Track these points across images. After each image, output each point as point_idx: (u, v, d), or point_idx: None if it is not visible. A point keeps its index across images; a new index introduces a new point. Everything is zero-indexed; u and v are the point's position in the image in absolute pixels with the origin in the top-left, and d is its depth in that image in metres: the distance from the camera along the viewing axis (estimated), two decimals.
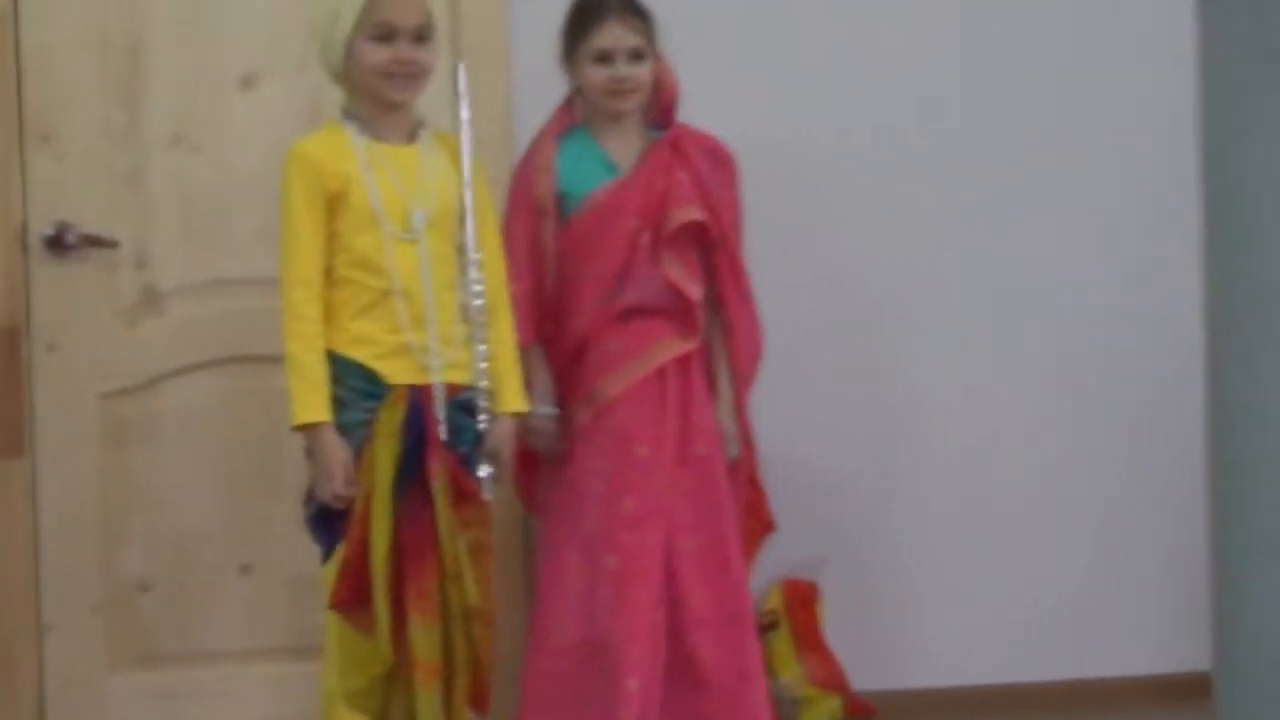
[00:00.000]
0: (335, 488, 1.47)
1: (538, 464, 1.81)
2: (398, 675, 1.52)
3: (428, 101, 1.63)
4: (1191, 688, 1.88)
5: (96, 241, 1.93)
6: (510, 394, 1.60)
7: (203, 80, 1.97)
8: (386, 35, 1.51)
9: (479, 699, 1.55)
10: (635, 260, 1.74)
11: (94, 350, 1.95)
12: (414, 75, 1.55)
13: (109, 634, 1.94)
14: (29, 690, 1.91)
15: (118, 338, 1.96)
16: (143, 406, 1.97)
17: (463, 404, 1.54)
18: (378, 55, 1.51)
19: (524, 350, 1.68)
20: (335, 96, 1.63)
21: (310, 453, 1.50)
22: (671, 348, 1.75)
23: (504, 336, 1.61)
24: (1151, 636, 2.21)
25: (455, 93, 1.62)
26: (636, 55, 1.72)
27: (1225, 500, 1.02)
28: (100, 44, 1.93)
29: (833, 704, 2.08)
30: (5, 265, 1.91)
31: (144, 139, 1.95)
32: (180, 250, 1.97)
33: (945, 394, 2.19)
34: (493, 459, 1.57)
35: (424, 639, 1.47)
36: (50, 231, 1.91)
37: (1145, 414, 2.18)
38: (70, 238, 1.92)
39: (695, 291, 1.75)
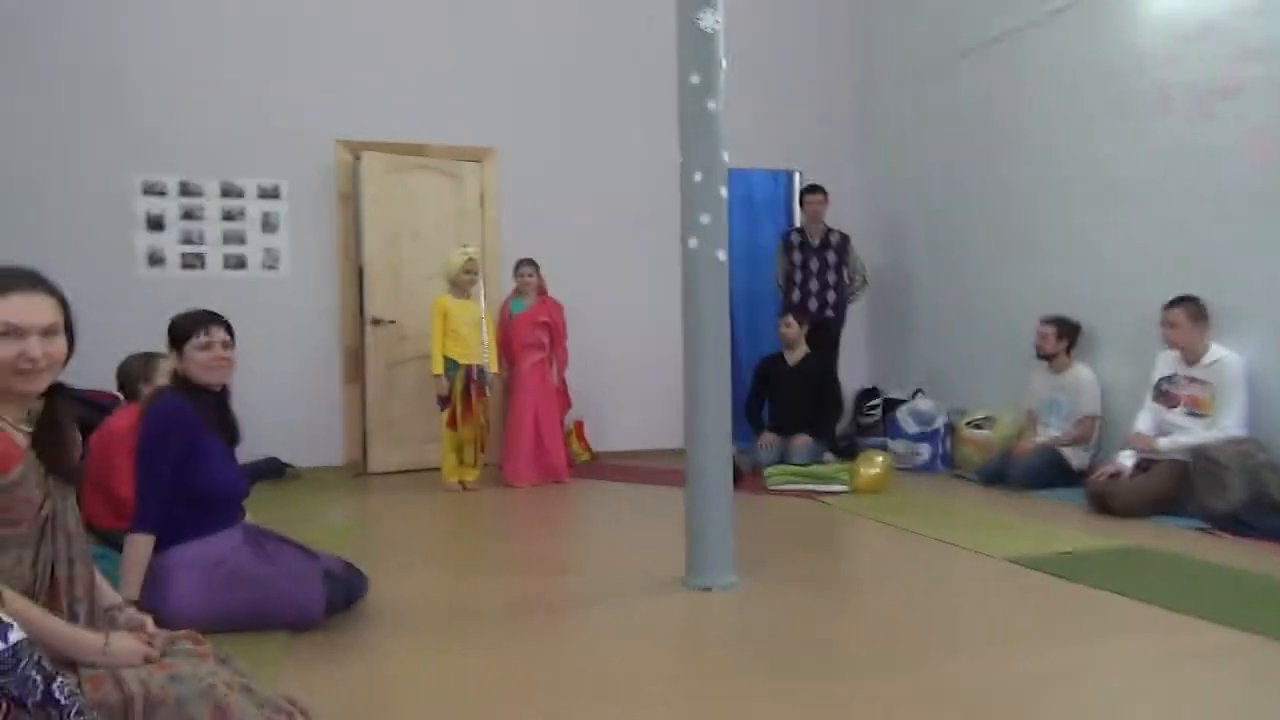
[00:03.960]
0: (444, 392, 5.65)
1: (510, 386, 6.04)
2: (460, 445, 5.70)
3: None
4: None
5: (388, 321, 6.31)
6: (492, 366, 5.76)
7: (413, 277, 6.37)
8: (469, 270, 5.74)
9: (482, 449, 5.74)
10: (530, 330, 5.92)
11: (388, 352, 6.30)
12: (473, 282, 5.80)
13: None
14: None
15: (395, 349, 6.30)
16: (402, 370, 6.29)
17: (481, 369, 5.70)
18: (465, 275, 5.75)
19: (501, 357, 5.91)
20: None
21: (438, 383, 5.64)
22: (540, 354, 5.94)
23: (491, 353, 5.78)
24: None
25: (480, 287, 5.89)
26: (533, 266, 5.94)
27: (691, 397, 5.04)
28: (392, 235, 6.36)
29: (586, 456, 6.41)
30: (359, 330, 6.34)
31: (400, 285, 6.34)
32: (411, 325, 6.32)
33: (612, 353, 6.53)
34: (490, 386, 5.77)
35: (465, 432, 5.65)
36: (374, 316, 6.29)
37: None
38: (378, 320, 6.32)
39: (547, 340, 5.95)
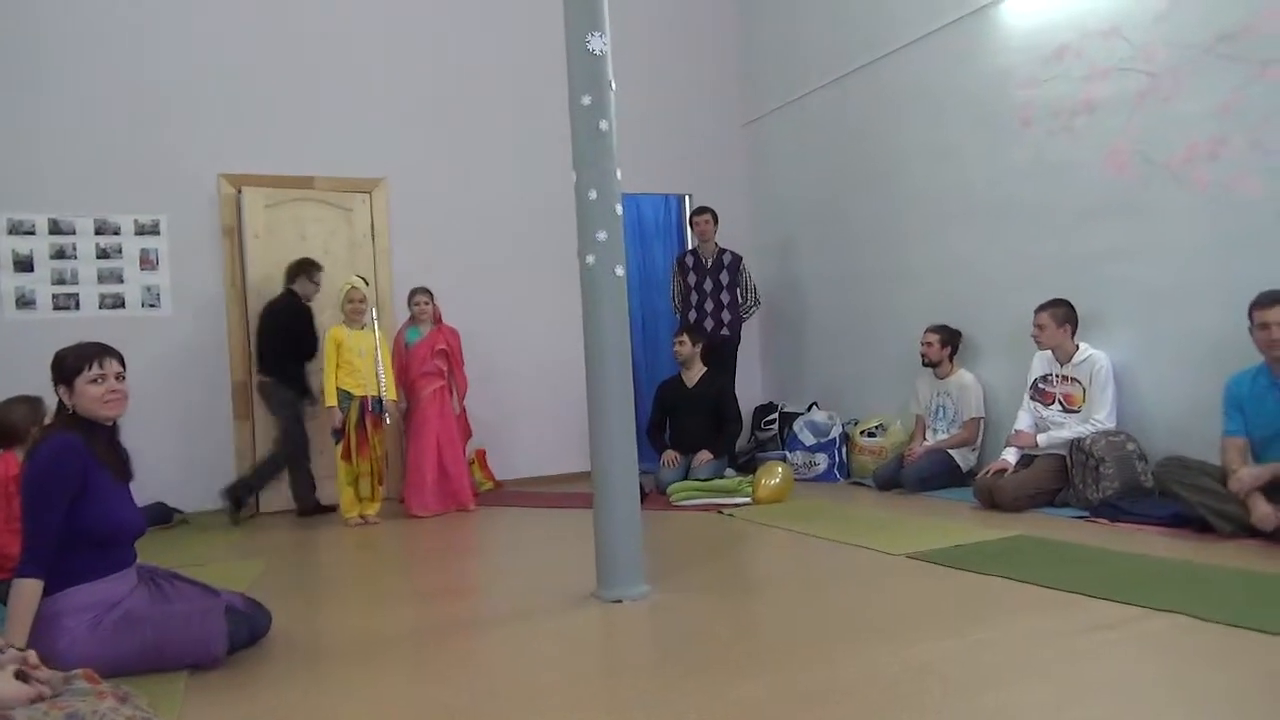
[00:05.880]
0: (337, 425, 5.56)
1: (410, 416, 5.95)
2: (357, 478, 5.59)
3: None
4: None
5: None
6: (390, 394, 5.69)
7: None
8: (351, 300, 5.66)
9: (379, 482, 5.64)
10: (428, 359, 5.87)
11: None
12: (361, 311, 5.72)
13: None
14: None
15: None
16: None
17: (377, 400, 5.63)
18: (349, 304, 5.66)
19: (399, 387, 5.83)
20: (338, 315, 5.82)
21: (331, 415, 5.55)
22: (440, 381, 5.89)
23: (389, 381, 5.72)
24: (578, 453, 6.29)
25: (373, 316, 5.80)
26: (428, 294, 5.89)
27: (595, 410, 5.11)
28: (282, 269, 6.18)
29: (489, 485, 6.33)
30: (248, 366, 6.15)
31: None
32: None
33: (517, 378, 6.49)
34: (387, 414, 5.67)
35: (361, 465, 5.55)
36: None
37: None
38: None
39: (445, 368, 5.89)
